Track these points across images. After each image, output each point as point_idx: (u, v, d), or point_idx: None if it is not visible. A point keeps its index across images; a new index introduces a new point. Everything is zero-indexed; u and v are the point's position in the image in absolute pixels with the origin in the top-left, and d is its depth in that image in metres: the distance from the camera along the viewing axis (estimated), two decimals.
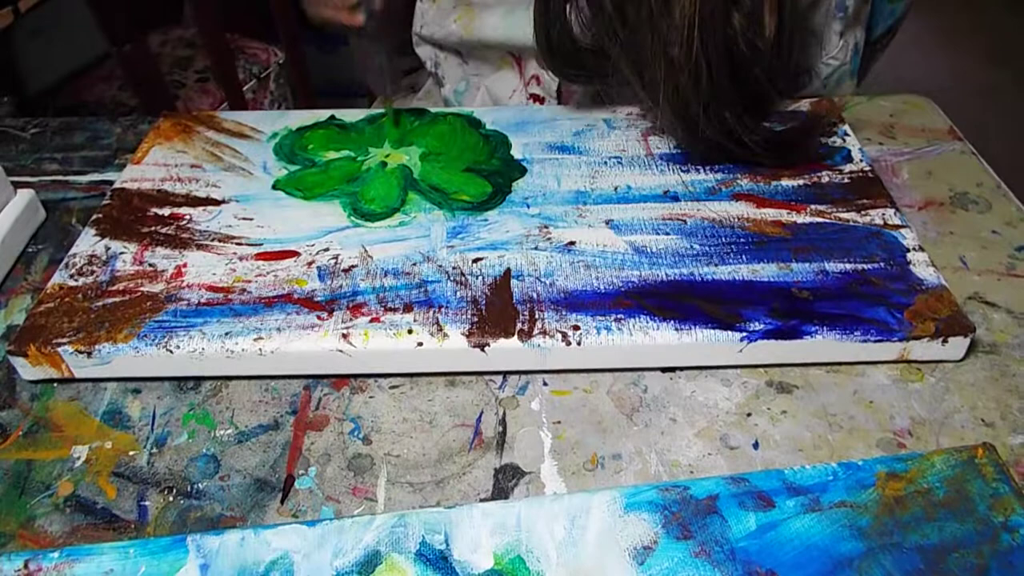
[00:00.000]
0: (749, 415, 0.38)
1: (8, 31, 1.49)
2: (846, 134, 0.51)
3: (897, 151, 0.54)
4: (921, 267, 0.41)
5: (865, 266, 0.41)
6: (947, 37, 2.02)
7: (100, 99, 1.66)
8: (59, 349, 0.38)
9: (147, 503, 0.35)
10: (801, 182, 0.47)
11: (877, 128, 0.56)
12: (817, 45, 0.56)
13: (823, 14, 0.56)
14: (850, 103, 0.58)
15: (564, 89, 0.61)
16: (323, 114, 0.54)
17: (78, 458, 0.36)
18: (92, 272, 0.42)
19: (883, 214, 0.45)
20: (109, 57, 1.66)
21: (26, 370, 0.39)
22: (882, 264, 0.42)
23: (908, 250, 0.42)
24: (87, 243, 0.44)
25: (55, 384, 0.40)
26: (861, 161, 0.49)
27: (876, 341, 0.38)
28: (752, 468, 0.35)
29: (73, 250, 0.44)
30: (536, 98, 0.62)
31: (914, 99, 0.59)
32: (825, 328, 0.38)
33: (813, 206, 0.45)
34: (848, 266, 0.41)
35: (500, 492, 0.35)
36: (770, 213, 0.45)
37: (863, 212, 0.45)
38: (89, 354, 0.38)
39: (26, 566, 0.30)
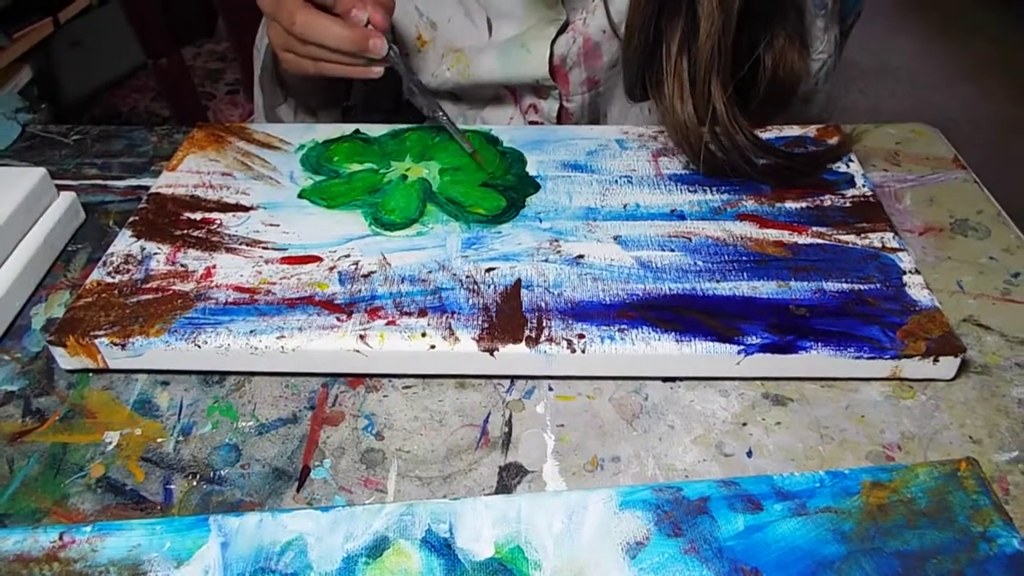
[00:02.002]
0: (744, 425, 0.40)
1: (47, 41, 1.55)
2: (851, 160, 0.53)
3: (901, 178, 0.55)
4: (916, 289, 0.43)
5: (862, 286, 0.43)
6: (973, 71, 2.02)
7: (134, 108, 1.71)
8: (96, 341, 0.40)
9: (172, 487, 0.37)
10: (803, 205, 0.49)
11: (882, 155, 0.58)
12: (806, 46, 0.58)
13: (809, 15, 0.58)
14: (858, 130, 0.59)
15: (564, 115, 0.63)
16: (348, 128, 0.57)
17: (110, 443, 0.39)
18: (128, 270, 0.45)
19: (882, 238, 0.46)
20: (143, 69, 1.71)
21: (64, 360, 0.41)
22: (878, 285, 0.43)
23: (904, 272, 0.44)
24: (124, 243, 0.47)
25: (90, 374, 0.42)
26: (864, 186, 0.51)
27: (869, 358, 0.40)
28: (745, 475, 0.37)
29: (111, 249, 0.46)
30: (536, 124, 0.64)
31: (921, 128, 0.61)
32: (820, 344, 0.40)
33: (814, 228, 0.47)
34: (845, 286, 0.43)
35: (504, 488, 0.37)
36: (772, 234, 0.47)
37: (863, 235, 0.47)
38: (123, 346, 0.40)
39: (60, 538, 0.32)
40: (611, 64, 0.60)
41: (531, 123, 0.63)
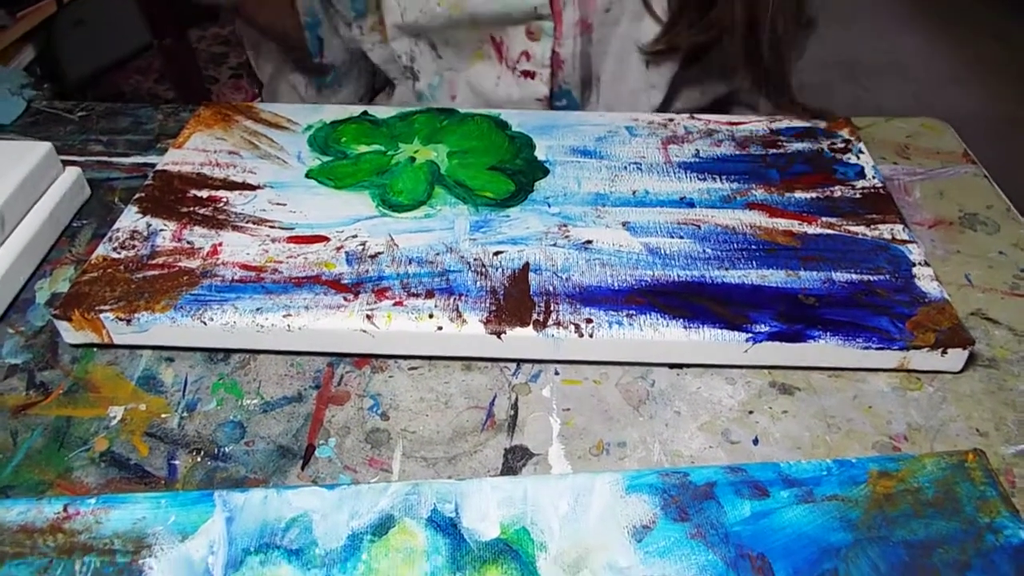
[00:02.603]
0: (751, 413, 0.39)
1: (51, 20, 1.54)
2: (861, 152, 0.53)
3: (910, 171, 0.55)
4: (925, 281, 0.43)
5: (871, 277, 0.43)
6: (979, 68, 2.02)
7: (137, 90, 1.71)
8: (101, 316, 0.40)
9: (176, 462, 0.37)
10: (813, 195, 0.49)
11: (892, 148, 0.57)
12: None
13: None
14: (868, 124, 0.59)
15: (556, 62, 0.62)
16: (356, 109, 0.57)
17: (114, 417, 0.39)
18: (134, 246, 0.45)
19: (892, 229, 0.46)
20: (146, 50, 1.71)
21: (69, 334, 0.41)
22: (888, 276, 0.43)
23: (914, 264, 0.44)
24: (130, 219, 0.47)
25: (95, 349, 0.42)
26: (874, 178, 0.50)
27: (877, 348, 0.40)
28: (751, 462, 0.37)
29: (116, 225, 0.46)
30: (528, 74, 0.63)
31: (931, 122, 0.60)
32: (828, 333, 0.40)
33: (824, 218, 0.47)
34: (854, 276, 0.43)
35: (509, 470, 0.37)
36: (782, 223, 0.47)
37: (872, 226, 0.46)
38: (128, 321, 0.40)
39: (65, 510, 0.32)
40: (605, 8, 0.59)
41: (523, 73, 0.62)
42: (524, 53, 0.62)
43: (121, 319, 0.40)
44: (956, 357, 0.40)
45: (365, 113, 0.56)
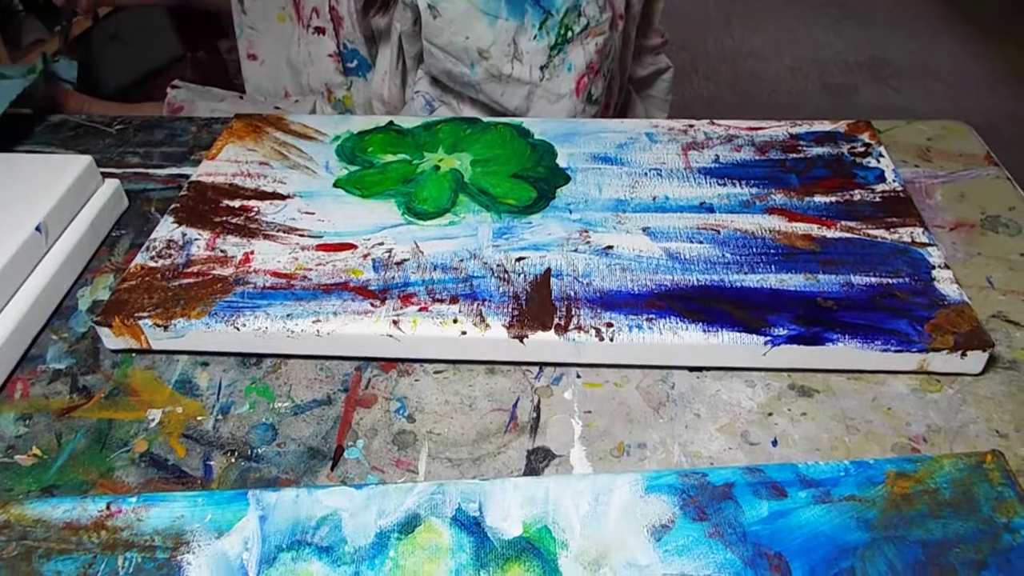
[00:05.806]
0: (770, 415, 0.40)
1: (87, 34, 1.59)
2: (881, 155, 0.53)
3: (932, 174, 0.55)
4: (945, 284, 0.43)
5: (890, 280, 0.43)
6: (1013, 74, 1.99)
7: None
8: (140, 322, 0.42)
9: (212, 463, 0.38)
10: (833, 199, 0.49)
11: (914, 151, 0.57)
12: None
13: None
14: (889, 127, 0.59)
15: (335, 16, 0.65)
16: (382, 120, 0.58)
17: (152, 420, 0.40)
18: (170, 255, 0.46)
19: (911, 232, 0.47)
20: (178, 61, 1.75)
21: (109, 340, 0.43)
22: (907, 279, 0.43)
23: (933, 267, 0.44)
24: (166, 229, 0.48)
25: (133, 354, 0.44)
26: (894, 181, 0.51)
27: (896, 351, 0.40)
28: (770, 463, 0.37)
29: (153, 235, 0.48)
30: (320, 30, 0.67)
31: (953, 124, 0.60)
32: (847, 336, 0.40)
33: (843, 222, 0.47)
34: (873, 280, 0.43)
35: (532, 471, 0.38)
36: (801, 227, 0.47)
37: (892, 230, 0.47)
38: (166, 327, 0.42)
39: (108, 508, 0.34)
40: None
41: (316, 29, 0.67)
42: (315, 9, 0.66)
43: (159, 325, 0.42)
44: (976, 359, 0.40)
45: (391, 123, 0.58)
